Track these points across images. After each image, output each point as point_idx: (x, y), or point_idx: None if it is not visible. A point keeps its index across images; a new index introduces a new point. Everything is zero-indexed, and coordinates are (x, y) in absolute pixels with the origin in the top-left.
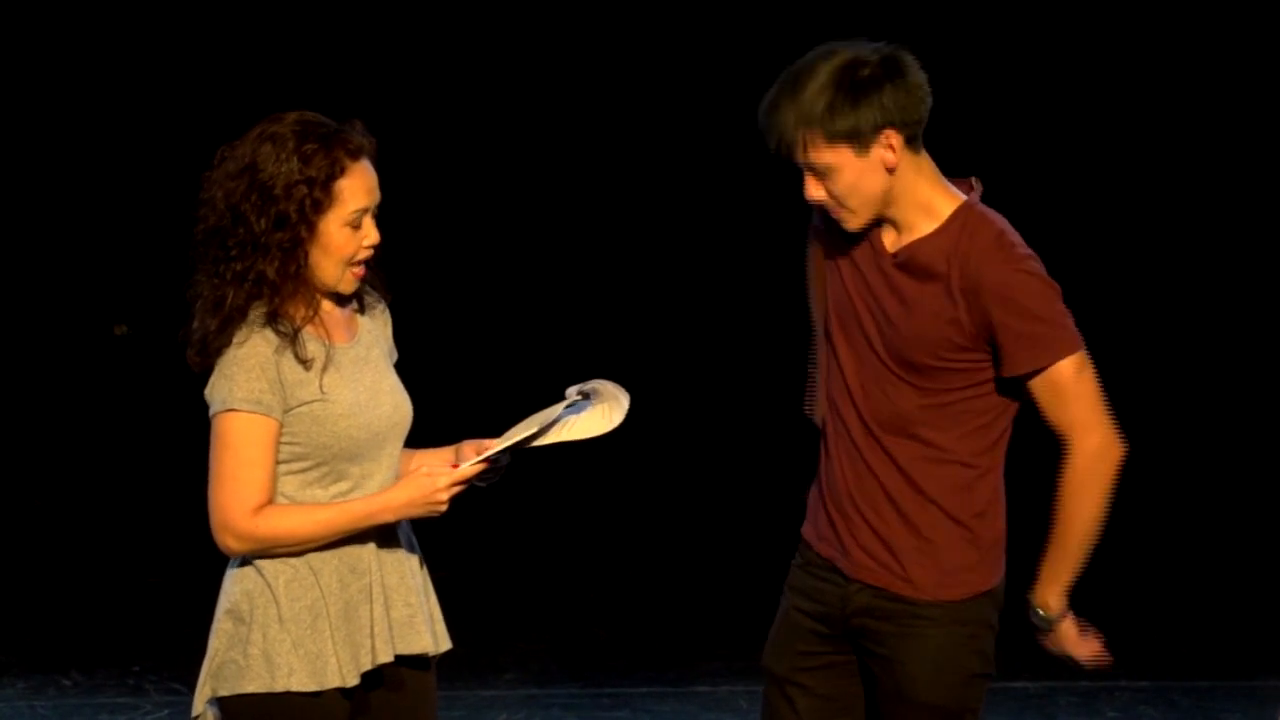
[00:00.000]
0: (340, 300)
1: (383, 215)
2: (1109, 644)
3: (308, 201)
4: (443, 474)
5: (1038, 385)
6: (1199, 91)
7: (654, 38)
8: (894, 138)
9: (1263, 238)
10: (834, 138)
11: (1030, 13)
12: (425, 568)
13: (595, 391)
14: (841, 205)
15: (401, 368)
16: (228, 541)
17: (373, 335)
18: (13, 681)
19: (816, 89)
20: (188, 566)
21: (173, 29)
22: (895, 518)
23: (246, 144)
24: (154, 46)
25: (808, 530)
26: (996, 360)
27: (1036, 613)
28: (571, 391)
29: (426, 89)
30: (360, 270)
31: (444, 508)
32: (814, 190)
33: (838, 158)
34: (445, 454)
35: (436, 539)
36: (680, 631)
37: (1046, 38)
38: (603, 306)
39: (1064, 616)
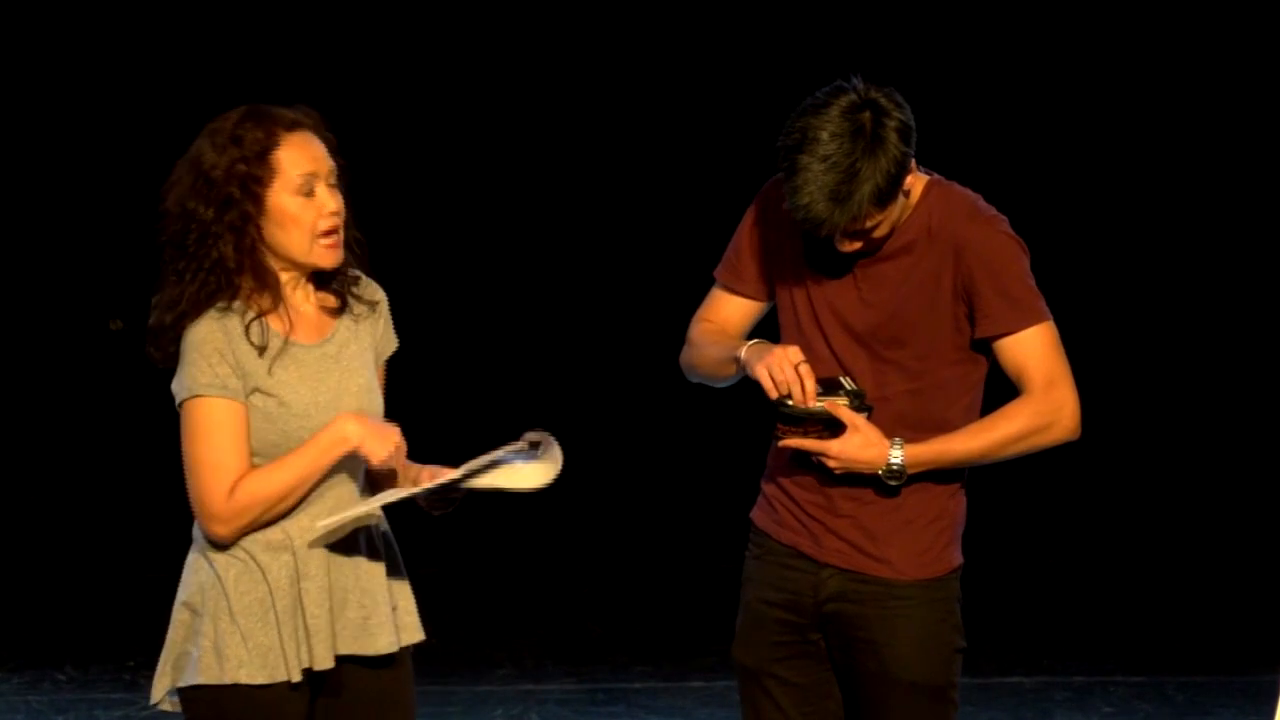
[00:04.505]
0: (323, 292)
1: (375, 215)
2: (1105, 639)
3: (249, 178)
4: (393, 432)
5: (1015, 345)
6: (1198, 92)
7: (646, 41)
8: (911, 161)
9: (1262, 238)
10: (885, 202)
11: (1029, 13)
12: (396, 561)
13: (545, 445)
14: (875, 242)
15: (394, 367)
16: (215, 530)
17: (350, 334)
18: (7, 676)
19: (845, 170)
20: (184, 562)
21: (170, 27)
22: (879, 502)
23: (192, 146)
24: (151, 44)
25: (763, 519)
26: (974, 321)
27: (897, 469)
28: (527, 437)
29: (413, 91)
30: (332, 241)
31: (376, 459)
32: (852, 246)
33: (886, 213)
34: (409, 470)
35: (432, 535)
36: (675, 626)
37: (1044, 38)
38: (602, 301)
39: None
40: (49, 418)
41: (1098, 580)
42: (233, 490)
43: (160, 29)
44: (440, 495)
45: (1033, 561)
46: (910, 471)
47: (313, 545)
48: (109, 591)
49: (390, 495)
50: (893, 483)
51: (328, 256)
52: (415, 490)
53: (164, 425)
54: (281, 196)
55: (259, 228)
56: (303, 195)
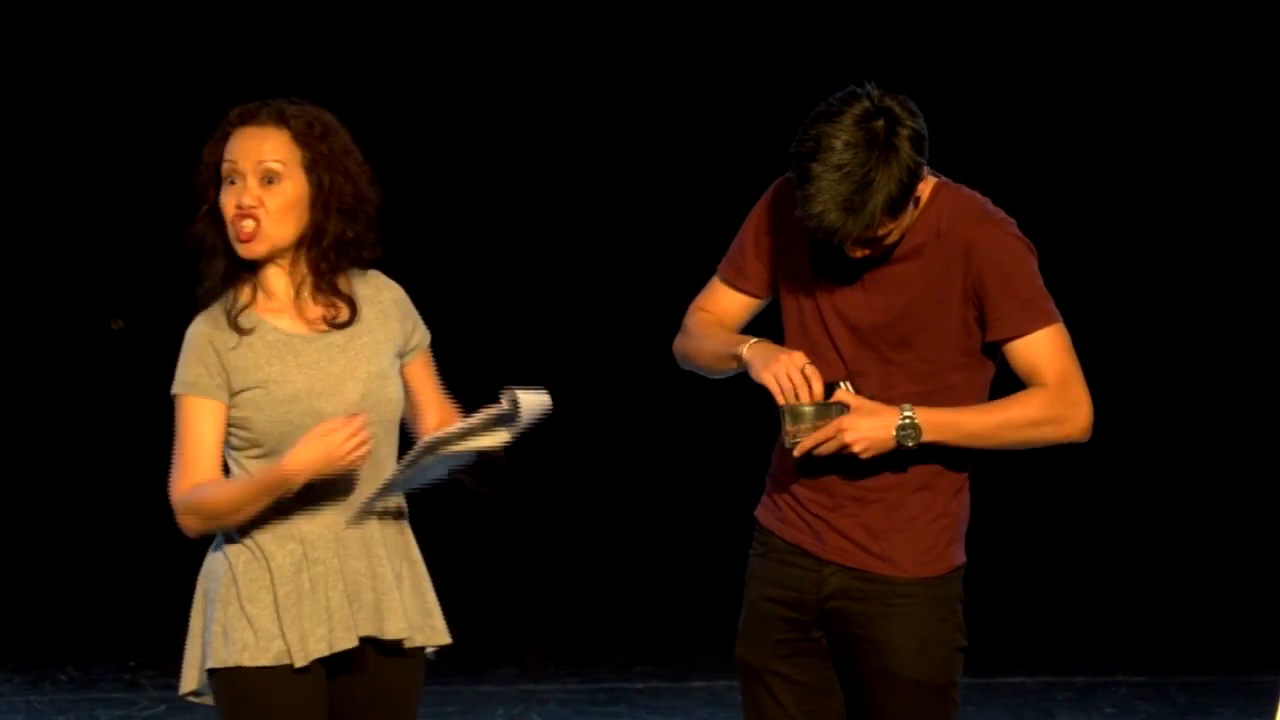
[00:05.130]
0: (333, 289)
1: (386, 215)
2: (1107, 639)
3: (203, 172)
4: (341, 429)
5: (1027, 347)
6: (1202, 95)
7: (655, 40)
8: (923, 168)
9: (1262, 240)
10: (896, 211)
11: (1030, 13)
12: (417, 559)
13: (518, 406)
14: (885, 249)
15: None
16: (180, 521)
17: (363, 325)
18: (9, 676)
19: (859, 179)
20: (185, 561)
21: (171, 27)
22: (882, 501)
23: None
24: (152, 45)
25: (767, 517)
26: (984, 325)
27: (910, 424)
28: (505, 398)
29: (424, 89)
30: (246, 232)
31: (357, 461)
32: (861, 253)
33: (898, 221)
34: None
35: (432, 534)
36: (676, 626)
37: (1050, 41)
38: (604, 301)
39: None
40: (49, 418)
41: (1099, 580)
42: (195, 487)
43: (161, 29)
44: (481, 471)
45: (1035, 561)
46: (925, 436)
47: (347, 526)
48: (109, 591)
49: (394, 472)
50: (909, 444)
51: (241, 248)
52: (409, 459)
53: (164, 425)
54: (221, 189)
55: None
56: (228, 183)
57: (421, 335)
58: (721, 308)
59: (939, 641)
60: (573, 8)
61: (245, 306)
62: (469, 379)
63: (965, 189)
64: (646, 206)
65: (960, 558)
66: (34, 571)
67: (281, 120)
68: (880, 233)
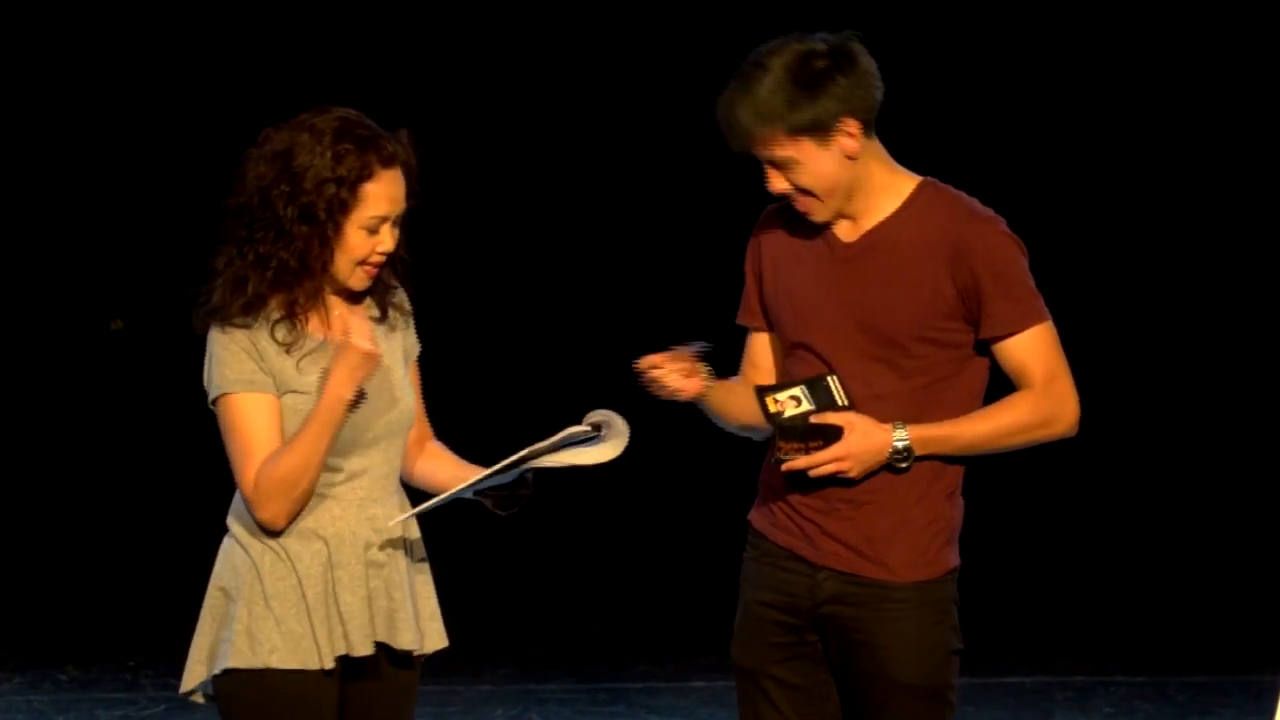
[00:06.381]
0: (354, 299)
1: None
2: (1106, 639)
3: (335, 201)
4: (356, 337)
5: (1017, 345)
6: (1196, 91)
7: (661, 41)
8: (853, 125)
9: (1260, 237)
10: (795, 131)
11: (1028, 12)
12: (426, 564)
13: (607, 425)
14: (809, 195)
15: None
16: (260, 516)
17: (382, 337)
18: (9, 676)
19: (773, 85)
20: (185, 561)
21: (171, 28)
22: (875, 505)
23: (287, 130)
24: (152, 45)
25: (760, 521)
26: (976, 323)
27: (904, 449)
28: (590, 419)
29: (427, 93)
30: (371, 270)
31: (371, 354)
32: (778, 183)
33: (800, 151)
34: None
35: (433, 535)
36: (676, 626)
37: (1045, 39)
38: (602, 302)
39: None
40: (49, 418)
41: (1098, 580)
42: (260, 468)
43: (161, 29)
44: (507, 493)
45: (1033, 561)
46: (918, 452)
47: (385, 539)
48: (109, 591)
49: (457, 487)
50: (902, 465)
51: (362, 283)
52: (481, 475)
53: (164, 423)
54: (352, 227)
55: (332, 250)
56: (368, 231)
57: (413, 343)
58: (758, 354)
59: (934, 645)
60: (584, 12)
61: (286, 316)
62: (468, 381)
63: (951, 188)
64: (644, 209)
65: (954, 560)
66: (34, 571)
67: (406, 163)
68: (778, 152)
